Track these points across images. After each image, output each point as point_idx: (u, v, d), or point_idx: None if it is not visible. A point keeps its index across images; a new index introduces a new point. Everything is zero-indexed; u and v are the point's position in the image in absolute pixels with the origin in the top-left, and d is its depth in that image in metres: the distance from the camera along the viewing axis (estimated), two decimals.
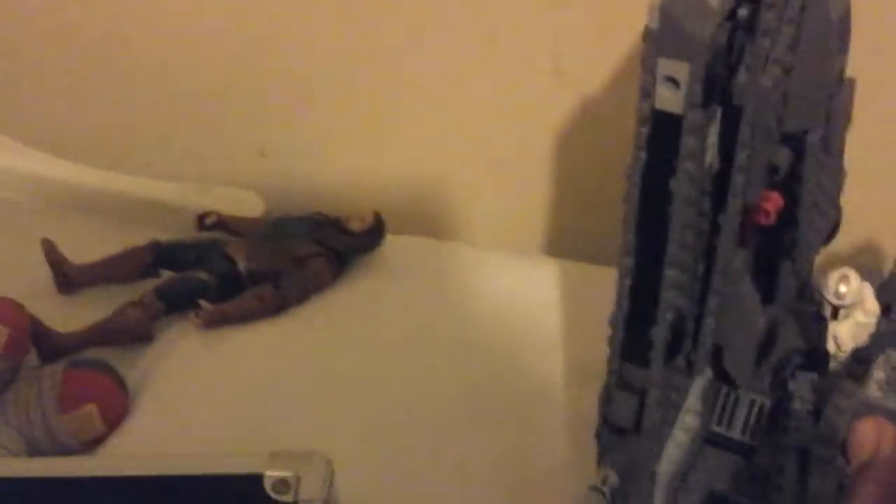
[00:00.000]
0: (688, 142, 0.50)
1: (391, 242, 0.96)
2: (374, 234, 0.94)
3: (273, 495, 0.59)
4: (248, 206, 1.02)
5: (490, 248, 0.97)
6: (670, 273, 0.53)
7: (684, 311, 0.56)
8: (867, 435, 0.51)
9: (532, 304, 0.85)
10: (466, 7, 0.89)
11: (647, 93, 0.49)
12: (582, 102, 0.90)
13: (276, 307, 0.89)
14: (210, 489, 0.60)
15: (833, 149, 0.57)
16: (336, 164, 1.03)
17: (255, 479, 0.59)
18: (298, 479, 0.60)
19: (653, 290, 0.54)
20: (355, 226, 0.93)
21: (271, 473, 0.60)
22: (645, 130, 0.51)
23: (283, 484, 0.59)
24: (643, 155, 0.51)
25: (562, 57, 0.89)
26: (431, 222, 1.01)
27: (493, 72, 0.91)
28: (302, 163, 1.05)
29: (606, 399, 0.59)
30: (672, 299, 0.54)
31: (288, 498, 0.59)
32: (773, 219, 0.54)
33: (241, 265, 0.91)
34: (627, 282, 0.55)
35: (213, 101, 1.04)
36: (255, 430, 0.77)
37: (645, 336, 0.55)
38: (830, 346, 0.58)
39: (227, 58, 1.01)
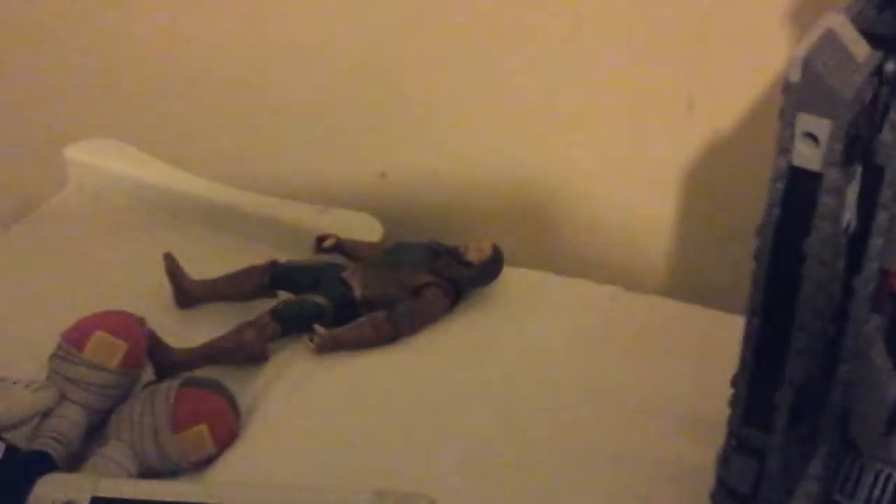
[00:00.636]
0: (825, 201, 0.48)
1: (508, 275, 0.94)
2: (491, 265, 0.93)
3: None
4: (367, 229, 1.01)
5: (608, 283, 0.95)
6: (800, 336, 0.51)
7: (812, 375, 0.53)
8: None
9: (650, 348, 0.83)
10: (607, 35, 0.88)
11: (784, 148, 0.47)
12: (712, 139, 0.88)
13: (390, 336, 0.89)
14: None
15: None
16: (456, 190, 1.03)
17: None
18: None
19: (780, 352, 0.52)
20: (473, 257, 0.92)
21: None
22: (780, 186, 0.49)
23: None
24: (777, 211, 0.49)
25: (695, 93, 0.87)
26: (549, 256, 0.99)
27: (628, 101, 0.90)
28: (423, 187, 1.05)
29: (724, 461, 0.57)
30: (800, 363, 0.52)
31: None
32: None
33: (357, 291, 0.91)
34: (753, 342, 0.53)
35: (336, 121, 1.04)
36: (362, 460, 0.76)
37: (769, 399, 0.53)
38: None
39: (351, 77, 1.01)
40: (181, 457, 0.78)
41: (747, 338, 0.53)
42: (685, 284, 0.96)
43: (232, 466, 0.78)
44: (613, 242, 1.00)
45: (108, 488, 0.62)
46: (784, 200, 0.49)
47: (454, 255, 0.93)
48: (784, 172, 0.48)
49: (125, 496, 0.60)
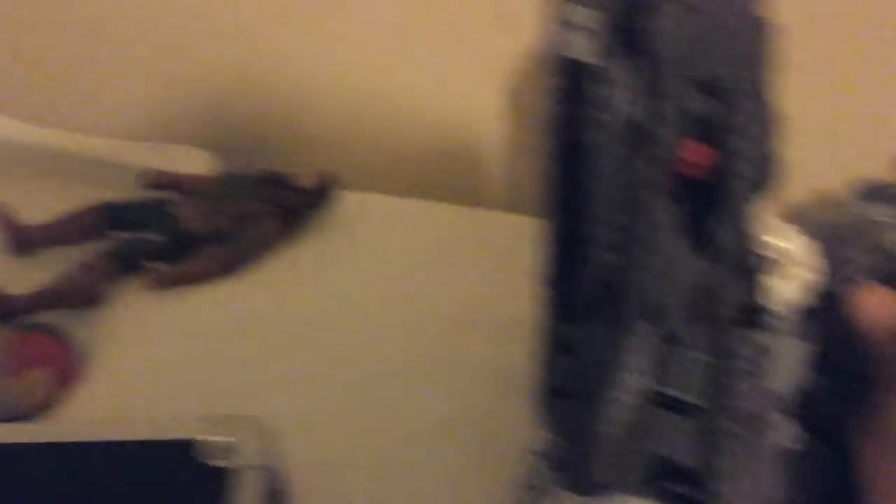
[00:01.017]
0: (599, 91, 0.48)
1: (342, 199, 0.94)
2: (323, 190, 0.92)
3: (205, 461, 0.58)
4: (198, 162, 0.99)
5: (445, 201, 0.95)
6: (594, 228, 0.52)
7: (613, 266, 0.54)
8: (883, 305, 0.50)
9: (487, 263, 0.84)
10: None
11: (555, 41, 0.47)
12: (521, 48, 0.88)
13: (226, 267, 0.88)
14: (144, 455, 0.59)
15: (758, 95, 0.55)
16: (287, 118, 1.02)
17: (189, 445, 0.58)
18: (232, 443, 0.59)
19: (579, 246, 0.53)
20: (304, 182, 0.92)
21: (203, 438, 0.59)
22: (556, 81, 0.49)
23: (215, 448, 0.58)
24: (556, 107, 0.50)
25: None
26: (383, 178, 0.99)
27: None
28: (254, 116, 1.04)
29: (541, 360, 0.58)
30: (599, 255, 0.53)
31: (223, 463, 0.58)
32: (699, 170, 0.53)
33: (189, 226, 0.90)
34: (553, 239, 0.54)
35: (169, 58, 1.02)
36: (205, 393, 0.75)
37: (574, 294, 0.54)
38: (771, 303, 0.57)
39: (186, 15, 0.98)
40: (19, 402, 0.76)
41: (546, 235, 0.53)
42: (522, 198, 0.97)
43: (73, 411, 0.77)
44: (449, 160, 1.00)
45: None
46: (561, 95, 0.49)
47: (285, 182, 0.92)
48: (558, 65, 0.48)
49: None
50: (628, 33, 0.48)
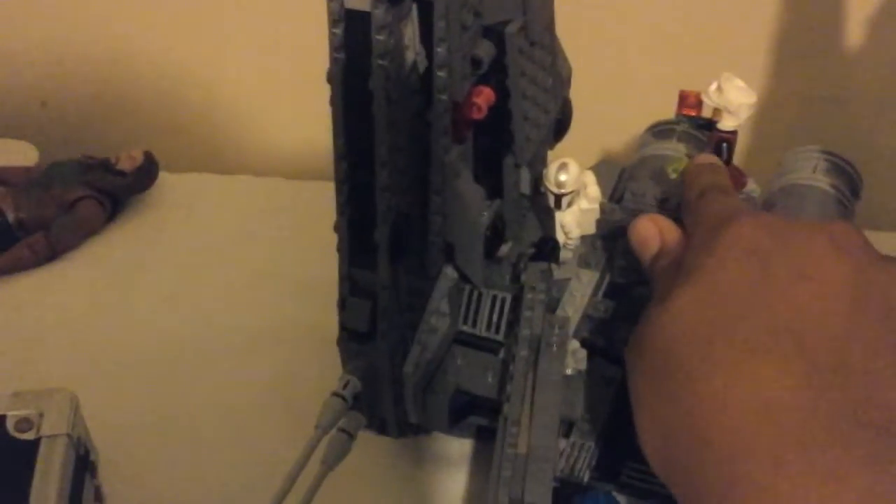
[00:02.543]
0: (379, 39, 0.50)
1: (165, 180, 0.95)
2: (144, 172, 0.92)
3: (17, 435, 0.59)
4: (22, 154, 0.98)
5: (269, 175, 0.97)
6: (383, 174, 0.53)
7: (406, 211, 0.56)
8: (648, 229, 0.53)
9: (306, 232, 0.85)
10: None
11: None
12: None
13: (47, 253, 0.88)
14: None
15: (539, 39, 0.57)
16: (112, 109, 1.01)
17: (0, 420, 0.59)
18: (41, 415, 0.59)
19: (371, 193, 0.54)
20: (125, 165, 0.91)
21: (14, 413, 0.59)
22: (338, 31, 0.51)
23: (25, 422, 0.59)
24: (340, 56, 0.51)
25: None
26: (209, 158, 1.00)
27: None
28: (80, 109, 1.03)
29: (342, 306, 0.59)
30: (390, 200, 0.54)
31: (31, 436, 0.58)
32: (484, 113, 0.55)
33: (10, 216, 0.88)
34: (346, 187, 0.55)
35: None
36: (23, 377, 0.75)
37: (369, 240, 0.56)
38: (559, 236, 0.59)
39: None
40: None
41: (338, 183, 0.55)
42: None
43: None
44: (274, 134, 1.01)
45: None
46: (345, 44, 0.51)
47: (106, 165, 0.92)
48: (339, 16, 0.50)
49: None
50: None
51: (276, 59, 0.97)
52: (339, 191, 0.55)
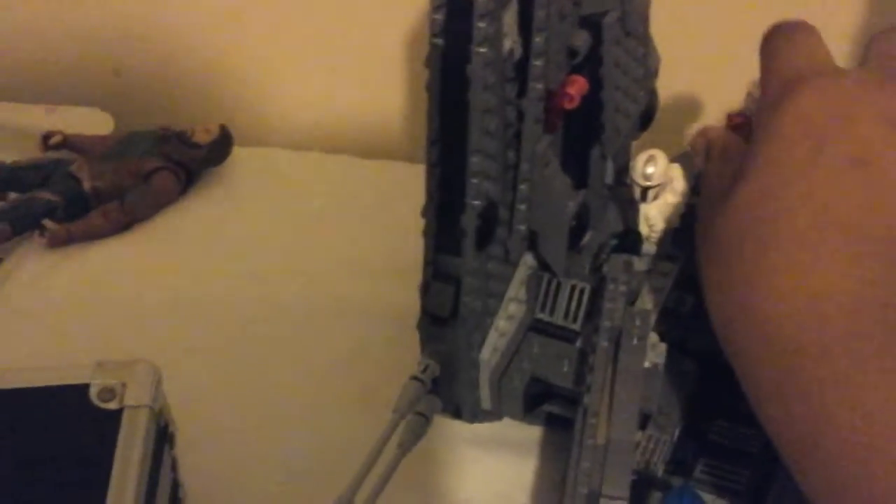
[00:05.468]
0: (480, 26, 0.50)
1: (240, 154, 0.95)
2: (220, 145, 0.93)
3: (99, 404, 0.59)
4: (98, 124, 1.00)
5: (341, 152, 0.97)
6: (475, 160, 0.54)
7: (494, 198, 0.56)
8: (697, 140, 0.53)
9: (386, 212, 0.86)
10: None
11: None
12: None
13: (123, 224, 0.89)
14: (38, 401, 0.60)
15: (634, 30, 0.57)
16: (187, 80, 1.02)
17: (82, 389, 0.59)
18: (124, 385, 0.60)
19: (461, 178, 0.55)
20: (200, 138, 0.92)
21: (97, 382, 0.59)
22: (439, 17, 0.51)
23: (108, 392, 0.59)
24: (440, 41, 0.51)
25: None
26: (279, 132, 1.00)
27: None
28: (155, 78, 1.04)
29: (424, 290, 0.59)
30: (479, 186, 0.55)
31: (114, 405, 0.59)
32: (577, 103, 0.55)
33: (87, 184, 0.89)
34: (437, 171, 0.55)
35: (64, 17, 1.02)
36: (100, 347, 0.76)
37: (456, 225, 0.56)
38: (643, 228, 0.59)
39: None
40: None
41: (429, 167, 0.55)
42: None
43: None
44: (344, 114, 1.02)
45: None
46: (444, 30, 0.51)
47: (182, 138, 0.93)
48: (441, 1, 0.50)
49: None
50: None
51: (348, 40, 0.97)
52: (429, 175, 0.55)
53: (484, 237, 0.56)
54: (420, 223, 0.58)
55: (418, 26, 0.94)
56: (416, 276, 0.61)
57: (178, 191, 0.92)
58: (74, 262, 0.86)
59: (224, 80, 1.03)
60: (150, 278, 0.84)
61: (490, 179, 0.55)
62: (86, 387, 0.59)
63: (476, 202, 0.55)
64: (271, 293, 0.81)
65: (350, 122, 1.02)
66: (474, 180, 0.54)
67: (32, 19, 1.03)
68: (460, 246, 0.56)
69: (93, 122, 1.00)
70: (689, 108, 0.83)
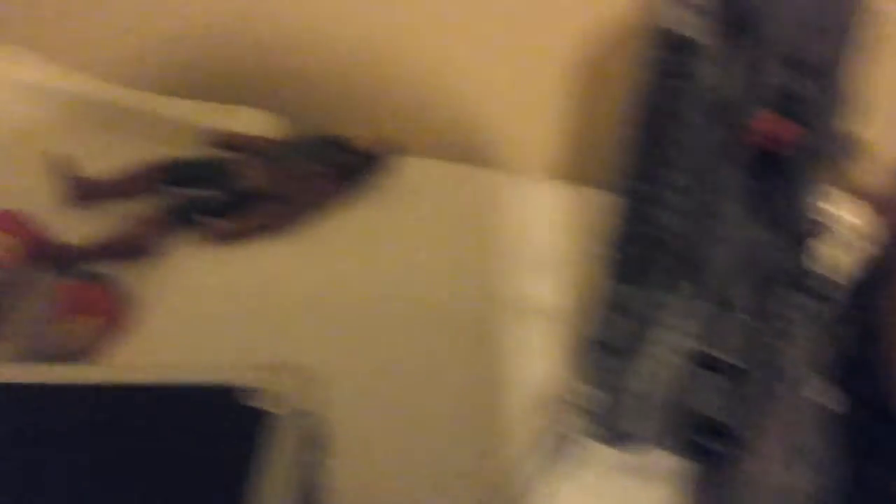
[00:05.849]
0: (699, 66, 0.48)
1: (398, 163, 0.95)
2: (378, 154, 0.93)
3: (247, 404, 0.58)
4: (264, 125, 1.00)
5: (499, 170, 0.97)
6: (668, 194, 0.52)
7: (679, 232, 0.54)
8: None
9: (533, 229, 0.85)
10: None
11: (658, 15, 0.47)
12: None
13: (283, 225, 0.89)
14: (188, 398, 0.60)
15: (841, 77, 0.55)
16: (358, 85, 1.02)
17: (230, 390, 0.59)
18: (272, 389, 0.59)
19: (651, 211, 0.53)
20: (360, 145, 0.92)
21: (245, 384, 0.59)
22: (659, 54, 0.49)
23: (256, 394, 0.59)
24: (651, 77, 0.50)
25: None
26: (439, 145, 0.99)
27: None
28: (324, 84, 1.04)
29: (594, 317, 0.58)
30: (664, 218, 0.53)
31: (261, 407, 0.58)
32: (777, 143, 0.53)
33: (250, 184, 0.90)
34: (628, 202, 0.54)
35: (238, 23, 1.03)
36: (256, 345, 0.76)
37: (637, 256, 0.54)
38: (825, 270, 0.57)
39: None
40: (64, 345, 0.77)
41: (617, 198, 0.53)
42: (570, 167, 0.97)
43: (125, 358, 0.78)
44: (497, 130, 1.00)
45: None
46: (658, 66, 0.49)
47: (343, 144, 0.93)
48: (664, 39, 0.48)
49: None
50: (729, 11, 0.47)
51: (520, 58, 0.95)
52: (616, 205, 0.54)
53: (666, 271, 0.54)
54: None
55: (577, 53, 0.92)
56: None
57: (336, 196, 0.92)
58: (234, 260, 0.87)
59: (390, 91, 1.02)
60: (307, 280, 0.84)
61: (676, 211, 0.53)
62: (233, 387, 0.59)
63: (658, 232, 0.53)
64: (422, 298, 0.81)
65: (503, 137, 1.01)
66: (661, 211, 0.52)
67: (222, 23, 1.04)
68: (639, 277, 0.55)
69: (260, 123, 1.01)
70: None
